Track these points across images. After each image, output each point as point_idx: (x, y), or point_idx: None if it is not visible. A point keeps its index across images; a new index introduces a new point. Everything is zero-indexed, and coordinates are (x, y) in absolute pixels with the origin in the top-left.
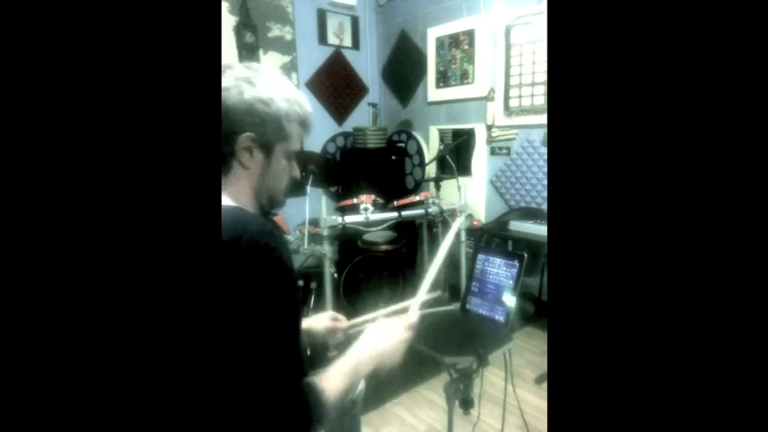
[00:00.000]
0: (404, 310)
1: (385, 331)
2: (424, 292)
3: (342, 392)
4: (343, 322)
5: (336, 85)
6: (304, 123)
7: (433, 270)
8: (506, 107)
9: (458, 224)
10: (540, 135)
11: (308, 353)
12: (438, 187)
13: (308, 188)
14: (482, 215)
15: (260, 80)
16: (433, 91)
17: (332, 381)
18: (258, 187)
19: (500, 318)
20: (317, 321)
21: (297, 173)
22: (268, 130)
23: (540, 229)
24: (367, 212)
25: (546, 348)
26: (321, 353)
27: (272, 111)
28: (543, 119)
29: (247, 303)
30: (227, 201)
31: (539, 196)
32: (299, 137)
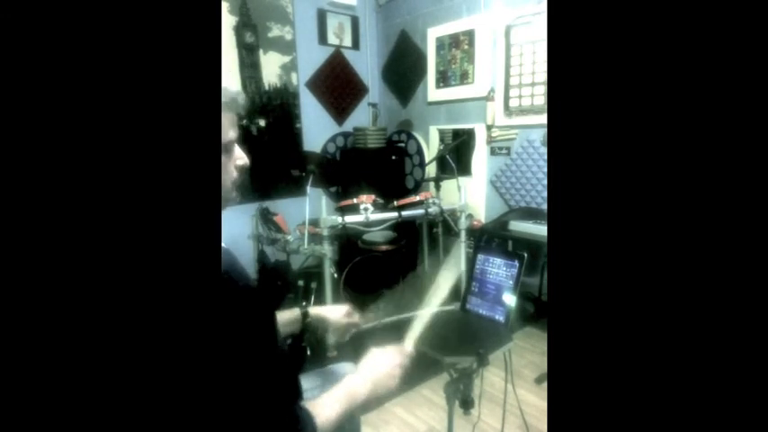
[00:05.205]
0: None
1: (379, 360)
2: (419, 327)
3: (334, 419)
4: (357, 319)
5: (336, 85)
6: (230, 108)
7: (426, 313)
8: (506, 107)
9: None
10: (540, 135)
11: (308, 353)
12: (438, 187)
13: (308, 188)
14: (482, 215)
15: None
16: (432, 91)
17: (325, 407)
18: None
19: (500, 318)
20: (333, 312)
21: (243, 161)
22: None
23: (540, 229)
24: (367, 212)
25: (546, 348)
26: (320, 353)
27: None
28: (543, 119)
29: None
30: None
31: (539, 196)
32: (231, 123)
